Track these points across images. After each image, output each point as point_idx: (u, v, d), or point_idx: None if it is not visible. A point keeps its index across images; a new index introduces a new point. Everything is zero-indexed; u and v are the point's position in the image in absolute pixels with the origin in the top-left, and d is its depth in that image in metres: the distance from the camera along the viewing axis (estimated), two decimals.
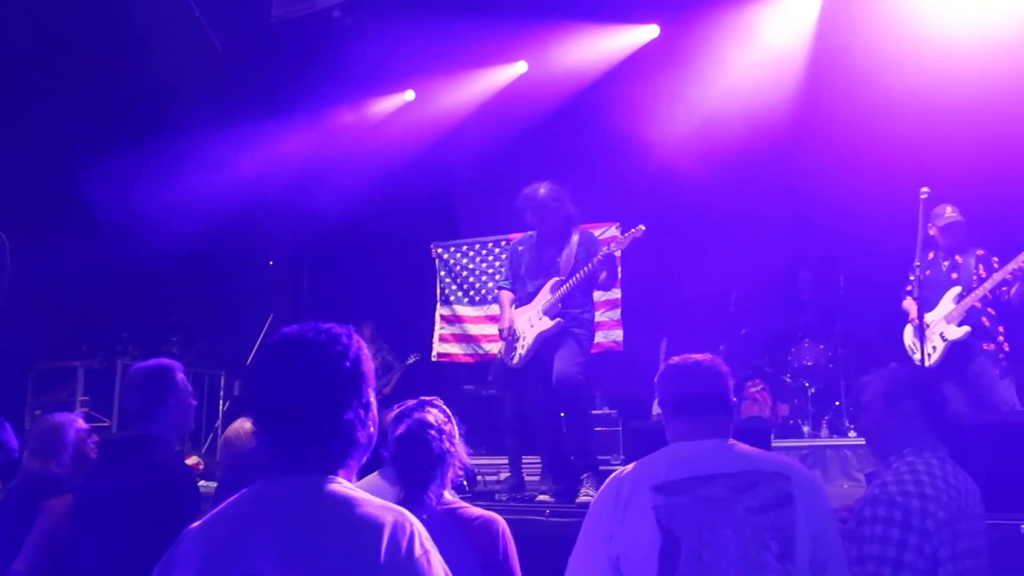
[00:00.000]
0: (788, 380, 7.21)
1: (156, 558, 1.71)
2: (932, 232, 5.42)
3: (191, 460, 6.10)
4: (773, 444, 5.52)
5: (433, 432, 2.55)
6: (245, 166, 8.45)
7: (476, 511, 2.55)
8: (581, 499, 4.74)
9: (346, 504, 1.57)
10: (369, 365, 1.73)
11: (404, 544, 1.52)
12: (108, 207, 7.84)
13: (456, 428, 2.66)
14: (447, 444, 2.56)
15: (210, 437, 8.42)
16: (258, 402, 1.69)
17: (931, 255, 5.48)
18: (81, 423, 4.03)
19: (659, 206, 7.45)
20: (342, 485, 1.62)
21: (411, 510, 2.47)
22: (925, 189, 5.25)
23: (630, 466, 2.38)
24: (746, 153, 6.97)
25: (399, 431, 2.59)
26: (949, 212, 5.42)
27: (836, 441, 6.43)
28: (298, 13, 8.10)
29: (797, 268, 7.70)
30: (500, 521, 2.53)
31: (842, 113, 6.92)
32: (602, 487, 2.39)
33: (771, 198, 7.29)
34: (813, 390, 7.07)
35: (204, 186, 8.15)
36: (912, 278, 5.27)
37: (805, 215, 7.32)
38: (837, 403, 6.98)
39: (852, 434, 6.46)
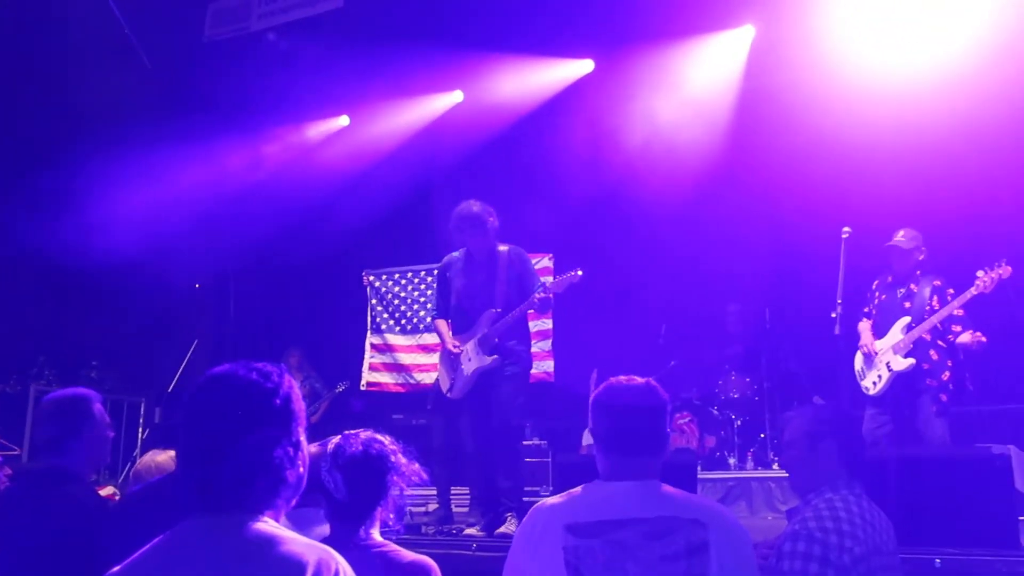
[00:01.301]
0: (715, 412, 7.32)
1: None
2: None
3: (106, 491, 5.87)
4: (700, 475, 5.58)
5: (387, 457, 2.46)
6: (173, 186, 8.27)
7: (409, 555, 2.46)
8: (500, 530, 4.69)
9: (269, 543, 1.55)
10: (300, 404, 1.71)
11: None
12: (27, 226, 7.59)
13: (402, 459, 2.55)
14: (393, 473, 2.47)
15: (128, 466, 8.13)
16: (184, 439, 1.66)
17: (889, 279, 5.41)
18: None
19: (591, 237, 7.55)
20: (268, 524, 1.60)
21: (341, 550, 2.41)
22: (846, 228, 5.41)
23: (553, 499, 2.37)
24: (676, 187, 7.10)
25: (346, 458, 2.49)
26: (898, 236, 5.29)
27: (761, 473, 6.52)
28: (231, 34, 8.03)
29: (725, 301, 7.84)
30: (434, 568, 2.45)
31: (769, 152, 7.13)
32: (524, 518, 2.38)
33: (700, 232, 7.44)
34: (739, 422, 7.19)
35: (129, 206, 7.95)
36: (870, 306, 5.31)
37: (733, 250, 7.48)
38: (762, 435, 7.10)
39: (776, 466, 6.57)
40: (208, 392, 1.67)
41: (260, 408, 1.64)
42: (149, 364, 9.04)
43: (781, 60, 7.28)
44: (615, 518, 2.20)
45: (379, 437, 2.56)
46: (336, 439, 2.55)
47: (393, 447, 2.54)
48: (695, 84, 7.50)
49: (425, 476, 2.64)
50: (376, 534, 2.50)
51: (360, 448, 2.50)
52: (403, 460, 2.55)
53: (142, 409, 8.86)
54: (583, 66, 7.95)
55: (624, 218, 7.64)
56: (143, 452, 7.55)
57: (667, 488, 2.31)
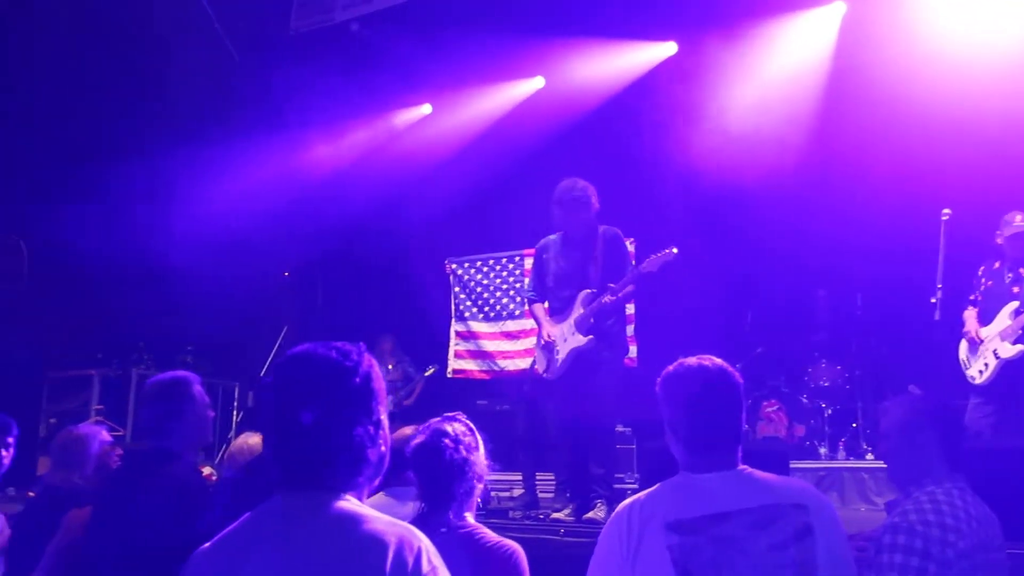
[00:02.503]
0: (804, 400, 7.15)
1: (170, 572, 1.71)
2: (999, 241, 5.14)
3: (205, 471, 6.10)
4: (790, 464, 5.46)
5: (448, 441, 2.51)
6: (262, 177, 8.49)
7: (494, 538, 2.49)
8: (588, 516, 4.67)
9: (352, 521, 1.56)
10: (380, 383, 1.71)
11: (411, 561, 1.51)
12: (125, 215, 7.90)
13: (479, 442, 2.60)
14: (463, 453, 2.50)
15: (223, 448, 8.43)
16: (268, 420, 1.68)
17: (996, 264, 5.20)
18: (105, 435, 4.03)
19: (675, 222, 7.43)
20: (350, 503, 1.61)
21: (426, 529, 2.44)
22: (947, 210, 5.21)
23: (640, 495, 2.30)
24: (763, 170, 6.93)
25: (415, 442, 2.55)
26: (1018, 220, 5.05)
27: (853, 463, 6.35)
28: (316, 25, 8.17)
29: (814, 286, 7.64)
30: (519, 551, 2.45)
31: (861, 132, 6.88)
32: (611, 518, 2.31)
33: (788, 215, 7.24)
34: (830, 411, 7.00)
35: (221, 196, 8.20)
36: (976, 293, 5.11)
37: (822, 233, 7.26)
38: (854, 424, 6.91)
39: (869, 456, 6.39)
40: (288, 372, 1.68)
41: (339, 387, 1.63)
42: (242, 350, 9.32)
43: (874, 36, 7.01)
44: (717, 511, 2.14)
45: (457, 424, 2.58)
46: (435, 421, 2.59)
47: (468, 436, 2.57)
48: (783, 64, 7.29)
49: (496, 464, 2.67)
50: (470, 517, 2.53)
51: (435, 434, 2.54)
52: (478, 444, 2.58)
53: (236, 393, 9.15)
54: (666, 48, 7.81)
55: (708, 202, 7.49)
56: (237, 434, 7.82)
57: (760, 474, 2.25)
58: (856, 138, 6.91)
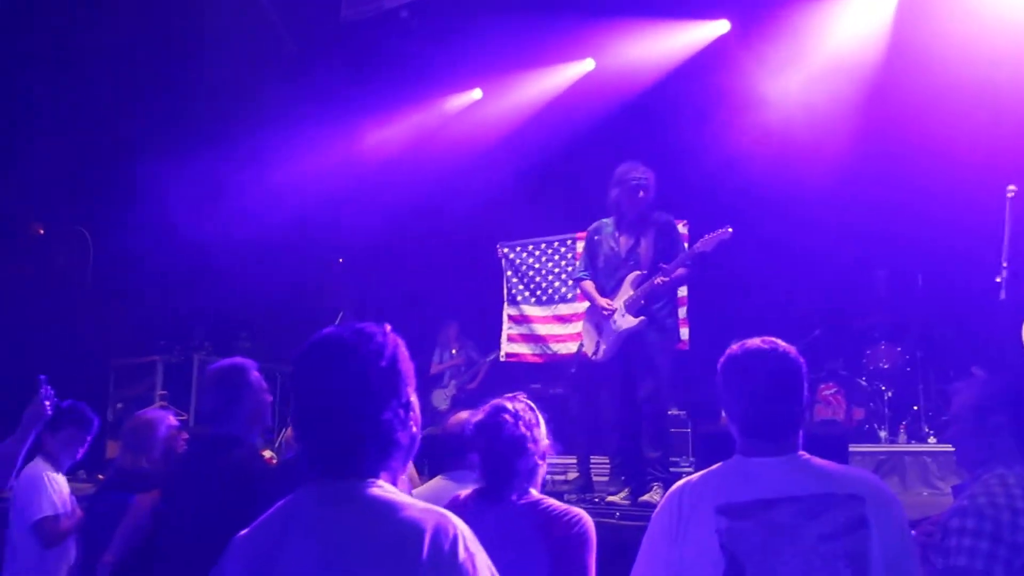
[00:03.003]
0: (863, 383, 7.03)
1: None
2: None
3: (266, 454, 6.23)
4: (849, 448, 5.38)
5: (508, 416, 2.52)
6: (316, 164, 8.60)
7: (561, 506, 2.50)
8: (643, 499, 4.68)
9: (387, 508, 1.53)
10: (407, 363, 1.66)
11: (447, 547, 1.48)
12: (183, 206, 8.07)
13: (540, 419, 2.60)
14: (524, 429, 2.50)
15: (283, 431, 8.58)
16: (296, 406, 1.65)
17: None
18: (172, 420, 4.14)
19: (727, 202, 7.32)
20: (383, 489, 1.58)
21: (490, 503, 2.44)
22: (1012, 187, 5.06)
23: (693, 477, 2.27)
24: (819, 148, 6.81)
25: (476, 419, 2.57)
26: None
27: (915, 447, 6.22)
28: (367, 14, 8.21)
29: (872, 267, 7.48)
30: (586, 519, 2.47)
31: (921, 106, 6.68)
32: (663, 498, 2.29)
33: (845, 194, 7.10)
34: (890, 394, 6.87)
35: (274, 184, 8.32)
36: None
37: (881, 212, 7.10)
38: (915, 407, 6.77)
39: (932, 440, 6.26)
40: (312, 358, 1.63)
41: (365, 370, 1.59)
42: (298, 335, 9.44)
43: (934, 8, 6.80)
44: (767, 496, 2.09)
45: (518, 402, 2.60)
46: (495, 400, 2.60)
47: (529, 412, 2.58)
48: (838, 40, 7.12)
49: (558, 445, 2.67)
50: (534, 492, 2.54)
51: (495, 410, 2.56)
52: (538, 421, 2.59)
53: None
54: (718, 27, 7.69)
55: (762, 181, 7.35)
56: None
57: (817, 461, 2.18)
58: (916, 114, 6.71)
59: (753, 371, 2.21)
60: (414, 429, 1.65)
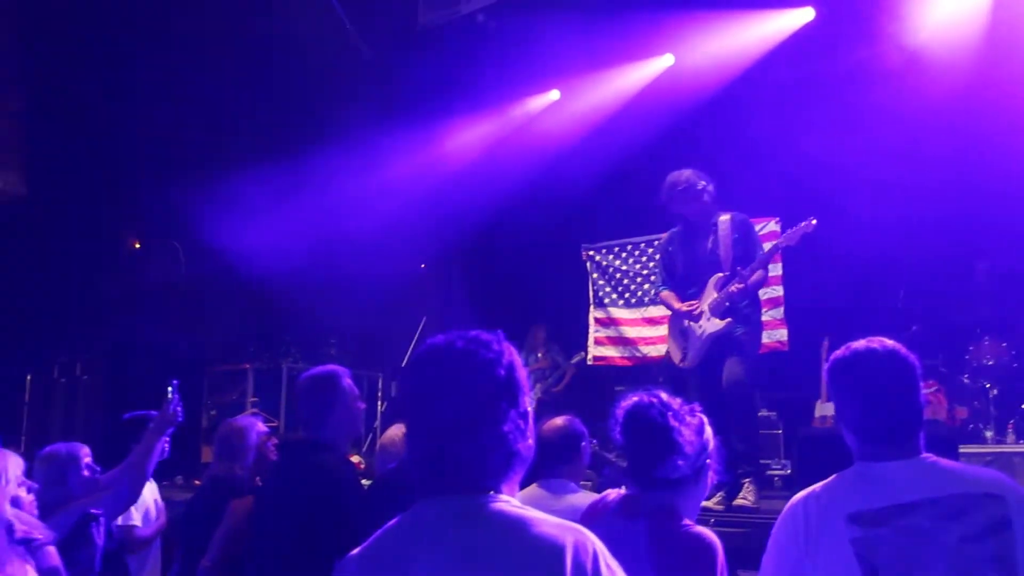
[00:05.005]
0: (966, 381, 6.71)
1: (328, 558, 1.70)
2: None
3: (354, 459, 6.31)
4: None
5: (656, 408, 2.32)
6: (397, 172, 8.67)
7: (695, 529, 2.27)
8: (738, 502, 4.59)
9: (520, 524, 1.46)
10: (522, 372, 1.60)
11: (589, 565, 1.41)
12: (269, 216, 8.25)
13: (701, 419, 2.37)
14: (672, 422, 2.29)
15: (370, 437, 8.70)
16: (411, 418, 1.60)
17: None
18: (261, 426, 4.22)
19: (819, 197, 7.09)
20: (509, 503, 1.51)
21: (630, 515, 2.25)
22: None
23: (815, 487, 2.16)
24: (913, 137, 6.54)
25: (623, 406, 2.40)
26: None
27: None
28: (444, 19, 8.25)
29: (973, 258, 7.14)
30: (715, 543, 2.23)
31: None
32: (784, 512, 2.18)
33: (942, 184, 6.79)
34: (995, 391, 6.53)
35: (356, 192, 8.43)
36: None
37: (981, 202, 6.77)
38: None
39: None
40: (428, 367, 1.58)
41: (484, 379, 1.53)
42: (383, 341, 9.58)
43: None
44: (902, 501, 2.00)
45: (662, 394, 2.40)
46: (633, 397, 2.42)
47: (678, 404, 2.36)
48: (931, 22, 6.82)
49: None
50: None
51: (642, 403, 2.38)
52: (674, 402, 2.37)
53: (380, 383, 9.42)
54: (803, 15, 7.45)
55: (854, 173, 7.10)
56: (383, 424, 8.05)
57: (945, 462, 2.08)
58: (1018, 99, 6.38)
59: (865, 374, 2.14)
60: (531, 440, 1.59)
